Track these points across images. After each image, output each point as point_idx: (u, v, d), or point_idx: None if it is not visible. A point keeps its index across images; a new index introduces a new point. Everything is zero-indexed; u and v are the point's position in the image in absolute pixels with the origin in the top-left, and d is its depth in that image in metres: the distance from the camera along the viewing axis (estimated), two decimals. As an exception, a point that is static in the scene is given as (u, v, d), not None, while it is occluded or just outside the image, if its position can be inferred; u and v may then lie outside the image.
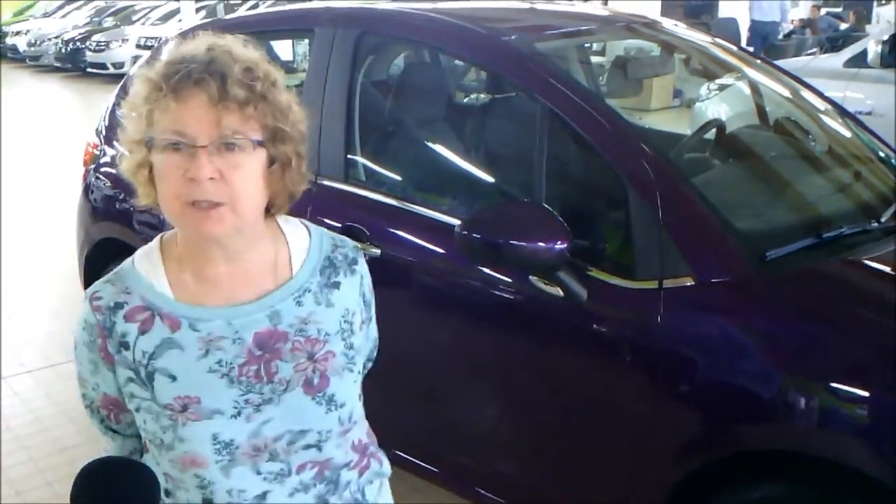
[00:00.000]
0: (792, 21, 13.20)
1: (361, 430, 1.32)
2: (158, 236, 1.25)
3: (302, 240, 1.27)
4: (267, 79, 1.15)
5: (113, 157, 3.39)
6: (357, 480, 1.31)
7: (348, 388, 1.25)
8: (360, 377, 1.29)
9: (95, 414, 1.29)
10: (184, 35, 3.02)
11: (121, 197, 3.30)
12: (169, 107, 1.09)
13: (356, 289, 1.29)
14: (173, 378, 1.16)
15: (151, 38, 15.89)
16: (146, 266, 1.21)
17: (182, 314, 1.17)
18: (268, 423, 1.18)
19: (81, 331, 1.20)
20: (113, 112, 3.49)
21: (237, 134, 1.10)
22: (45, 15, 23.05)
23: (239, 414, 1.17)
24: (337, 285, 1.26)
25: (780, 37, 12.02)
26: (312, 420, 1.21)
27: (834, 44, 11.18)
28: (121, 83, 3.67)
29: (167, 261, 1.21)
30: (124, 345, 1.17)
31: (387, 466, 1.39)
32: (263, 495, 1.20)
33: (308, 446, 1.21)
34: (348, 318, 1.26)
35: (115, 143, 3.40)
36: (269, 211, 1.22)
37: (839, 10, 13.59)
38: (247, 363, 1.17)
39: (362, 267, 1.31)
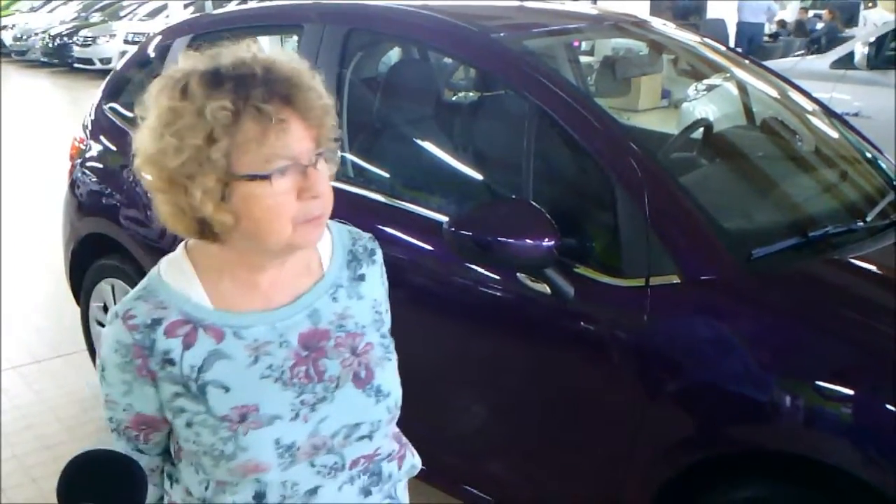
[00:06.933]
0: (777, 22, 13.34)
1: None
2: (182, 245, 1.22)
3: (325, 236, 1.26)
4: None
5: (99, 153, 3.37)
6: (396, 474, 1.33)
7: (391, 377, 1.26)
8: (396, 364, 1.29)
9: (122, 436, 1.25)
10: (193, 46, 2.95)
11: (107, 192, 3.28)
12: (268, 132, 1.05)
13: (378, 279, 1.31)
14: (227, 389, 1.14)
15: (139, 33, 15.78)
16: (176, 277, 1.17)
17: (224, 323, 1.16)
18: (324, 421, 1.18)
19: (113, 353, 1.15)
20: (99, 107, 3.47)
21: (325, 144, 1.13)
22: (32, 9, 22.89)
23: (297, 416, 1.16)
24: (363, 277, 1.28)
25: (765, 38, 12.11)
26: (365, 412, 1.22)
27: (815, 42, 11.27)
28: (107, 79, 3.63)
29: (200, 270, 1.18)
30: (169, 361, 1.14)
31: (418, 459, 1.41)
32: (315, 490, 1.21)
33: (361, 437, 1.22)
34: (378, 308, 1.28)
35: (101, 138, 3.38)
36: None
37: (824, 11, 13.74)
38: (296, 365, 1.18)
39: (379, 256, 1.32)
